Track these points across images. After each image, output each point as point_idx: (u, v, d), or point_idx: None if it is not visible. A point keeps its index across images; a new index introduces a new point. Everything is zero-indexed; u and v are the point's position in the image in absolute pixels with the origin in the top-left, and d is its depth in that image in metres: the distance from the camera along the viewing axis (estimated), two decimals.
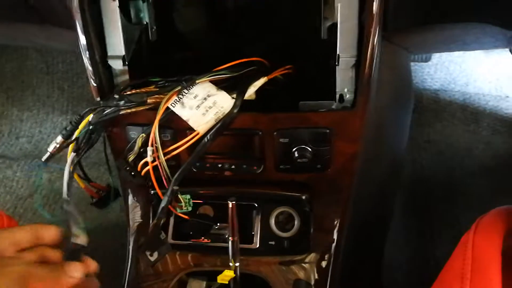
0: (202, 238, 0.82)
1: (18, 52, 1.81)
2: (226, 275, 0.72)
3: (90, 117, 0.69)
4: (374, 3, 0.65)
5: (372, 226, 1.08)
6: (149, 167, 0.69)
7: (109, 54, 0.74)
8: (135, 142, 0.71)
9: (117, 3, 0.71)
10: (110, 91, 0.74)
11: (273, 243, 0.81)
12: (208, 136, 0.67)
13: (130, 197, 0.87)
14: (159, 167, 0.68)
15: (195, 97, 0.68)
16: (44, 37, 0.98)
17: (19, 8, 0.84)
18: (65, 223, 0.62)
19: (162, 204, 0.67)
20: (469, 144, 1.46)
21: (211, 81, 0.70)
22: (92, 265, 0.63)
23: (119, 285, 0.88)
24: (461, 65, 1.51)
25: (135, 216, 0.87)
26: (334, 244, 0.81)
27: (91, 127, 0.70)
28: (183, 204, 0.72)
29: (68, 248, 0.60)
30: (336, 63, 0.70)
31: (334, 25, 0.71)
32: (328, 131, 0.72)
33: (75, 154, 0.70)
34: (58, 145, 0.72)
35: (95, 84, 0.73)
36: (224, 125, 0.67)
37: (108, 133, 0.79)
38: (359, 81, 0.69)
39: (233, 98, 0.68)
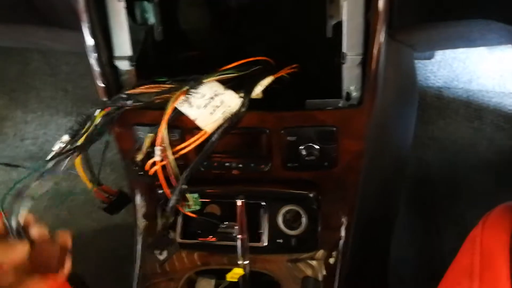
0: (210, 237, 0.82)
1: (22, 54, 1.81)
2: (236, 273, 0.72)
3: (97, 115, 0.69)
4: (380, 0, 0.66)
5: (377, 223, 1.08)
6: (157, 166, 0.69)
7: (115, 54, 0.74)
8: (143, 142, 0.71)
9: (123, 3, 0.71)
10: (116, 91, 0.74)
11: (281, 241, 0.82)
12: (216, 135, 0.67)
13: (138, 197, 0.87)
14: (167, 166, 0.69)
15: (202, 96, 0.68)
16: (48, 39, 0.98)
17: (23, 10, 0.84)
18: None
19: (171, 203, 0.67)
20: (473, 140, 1.46)
21: (217, 81, 0.71)
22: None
23: (124, 285, 0.88)
24: (465, 62, 1.51)
25: (143, 215, 0.87)
26: (342, 241, 0.82)
27: (97, 126, 0.69)
28: (191, 203, 0.72)
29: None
30: (342, 61, 0.70)
31: (340, 24, 0.71)
32: (335, 129, 0.73)
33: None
34: (63, 145, 0.71)
35: (102, 85, 0.74)
36: (231, 124, 0.67)
37: (115, 133, 0.79)
38: (366, 78, 0.70)
39: (240, 97, 0.68)
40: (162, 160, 0.69)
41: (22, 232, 0.59)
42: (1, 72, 1.83)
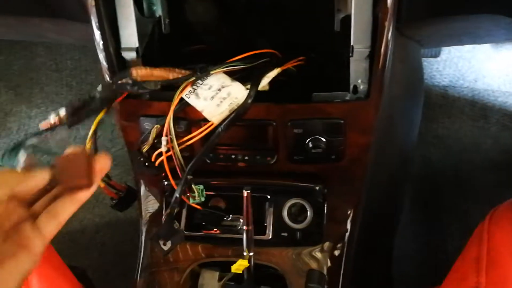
0: (215, 229, 0.82)
1: (27, 49, 1.82)
2: (241, 265, 0.72)
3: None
4: None
5: (382, 218, 1.08)
6: (163, 157, 0.69)
7: (122, 46, 0.74)
8: (149, 133, 0.71)
9: None
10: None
11: (285, 234, 0.81)
12: (222, 126, 0.67)
13: (143, 188, 0.87)
14: (173, 157, 0.69)
15: (209, 88, 0.68)
16: (54, 31, 0.98)
17: (29, 1, 0.84)
18: None
19: (176, 193, 0.67)
20: (477, 139, 1.46)
21: (224, 72, 0.71)
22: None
23: (127, 280, 0.89)
24: (470, 61, 1.51)
25: (148, 206, 0.87)
26: (347, 234, 0.82)
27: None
28: (196, 194, 0.72)
29: None
30: (350, 54, 0.70)
31: (347, 17, 0.71)
32: (342, 121, 0.73)
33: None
34: (58, 118, 0.65)
35: (109, 77, 0.74)
36: (238, 115, 0.67)
37: (121, 125, 0.79)
38: (373, 72, 0.70)
39: (247, 89, 0.68)
40: (168, 151, 0.69)
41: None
42: (6, 66, 1.83)
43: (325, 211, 0.81)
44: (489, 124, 1.46)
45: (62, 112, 0.61)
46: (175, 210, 0.68)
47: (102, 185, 0.79)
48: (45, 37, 1.05)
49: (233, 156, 0.78)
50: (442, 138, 1.48)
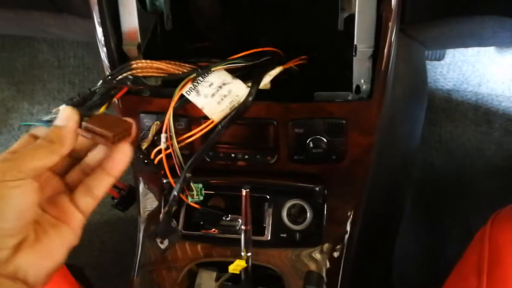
0: (213, 229, 0.82)
1: (30, 46, 1.82)
2: (238, 265, 0.71)
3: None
4: None
5: (383, 220, 1.07)
6: (162, 154, 0.69)
7: (124, 42, 0.74)
8: (149, 130, 0.70)
9: None
10: None
11: (284, 235, 0.81)
12: (222, 123, 0.66)
13: (142, 185, 0.86)
14: (173, 154, 0.68)
15: (210, 85, 0.68)
16: (55, 26, 0.98)
17: None
18: None
19: (174, 191, 0.66)
20: (480, 144, 1.45)
21: (226, 70, 0.70)
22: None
23: (127, 278, 0.88)
24: (474, 65, 1.50)
25: (146, 204, 0.87)
26: (347, 235, 0.81)
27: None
28: (194, 193, 0.71)
29: None
30: (353, 54, 0.69)
31: (352, 16, 0.70)
32: (343, 121, 0.72)
33: None
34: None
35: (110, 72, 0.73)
36: (238, 113, 0.66)
37: None
38: (376, 72, 0.69)
39: (248, 86, 0.68)
40: (167, 148, 0.68)
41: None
42: (9, 63, 1.83)
43: (325, 212, 0.80)
44: (493, 129, 1.45)
45: (62, 107, 0.60)
46: (173, 208, 0.67)
47: None
48: (47, 32, 1.04)
49: (233, 155, 0.77)
50: (445, 142, 1.47)
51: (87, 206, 0.51)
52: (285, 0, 0.85)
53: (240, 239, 0.74)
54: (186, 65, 0.68)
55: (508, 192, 1.34)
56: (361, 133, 0.73)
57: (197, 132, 0.68)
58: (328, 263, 0.80)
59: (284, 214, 0.81)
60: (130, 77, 0.63)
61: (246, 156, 0.77)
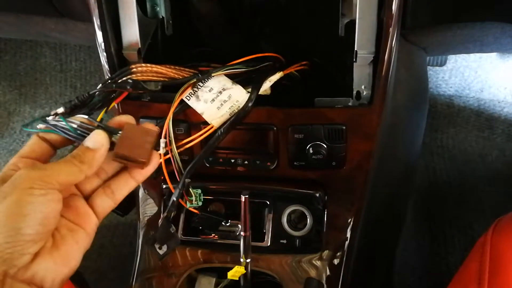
0: (213, 235, 0.81)
1: (32, 49, 1.82)
2: (237, 271, 0.71)
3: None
4: (394, 1, 0.65)
5: (384, 228, 1.06)
6: (161, 160, 0.68)
7: (124, 47, 0.74)
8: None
9: None
10: None
11: (284, 241, 0.80)
12: (222, 129, 0.66)
13: (141, 191, 0.86)
14: (172, 160, 0.68)
15: (210, 90, 0.68)
16: (57, 31, 0.98)
17: (35, 0, 0.84)
18: None
19: (173, 197, 0.66)
20: (482, 150, 1.44)
21: (226, 75, 0.70)
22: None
23: (126, 283, 0.87)
24: (477, 70, 1.50)
25: (146, 209, 0.86)
26: (347, 242, 0.80)
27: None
28: (193, 198, 0.71)
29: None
30: (354, 60, 0.69)
31: (352, 22, 0.70)
32: (344, 127, 0.71)
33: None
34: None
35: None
36: (238, 118, 0.66)
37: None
38: (377, 78, 0.69)
39: (248, 92, 0.67)
40: (166, 154, 0.68)
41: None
42: (11, 66, 1.84)
43: (325, 219, 0.79)
44: (495, 135, 1.45)
45: (61, 110, 0.60)
46: (172, 214, 0.66)
47: None
48: (48, 36, 1.05)
49: (232, 160, 0.77)
50: (447, 148, 1.46)
51: (104, 208, 0.52)
52: (286, 6, 0.85)
53: (239, 245, 0.73)
54: (186, 69, 0.68)
55: (510, 197, 1.33)
56: (362, 139, 0.73)
57: (196, 138, 0.68)
58: (328, 270, 0.80)
59: (284, 220, 0.81)
60: (130, 81, 0.63)
61: (246, 162, 0.77)
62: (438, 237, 1.33)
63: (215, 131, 0.66)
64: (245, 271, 0.72)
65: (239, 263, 0.73)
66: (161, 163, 0.67)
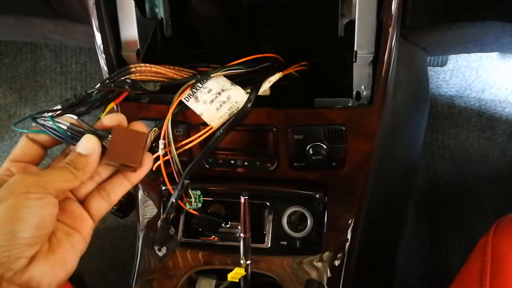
0: (213, 236, 0.81)
1: (33, 52, 1.82)
2: (237, 273, 0.71)
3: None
4: (393, 0, 0.65)
5: (385, 228, 1.06)
6: (160, 161, 0.68)
7: (123, 48, 0.74)
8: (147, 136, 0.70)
9: None
10: None
11: (285, 243, 0.80)
12: (221, 130, 0.65)
13: (141, 192, 0.86)
14: (171, 161, 0.67)
15: (209, 91, 0.67)
16: (56, 33, 0.98)
17: (34, 2, 0.84)
18: None
19: (172, 198, 0.66)
20: (484, 150, 1.44)
21: (225, 76, 0.69)
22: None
23: (126, 285, 0.87)
24: (478, 70, 1.49)
25: (146, 211, 0.86)
26: (348, 244, 0.80)
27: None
28: (192, 199, 0.70)
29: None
30: (354, 60, 0.69)
31: (352, 22, 0.70)
32: (343, 128, 0.71)
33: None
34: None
35: None
36: (237, 119, 0.65)
37: None
38: (376, 78, 0.68)
39: (247, 93, 0.67)
40: (165, 155, 0.68)
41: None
42: (11, 69, 1.84)
43: (326, 220, 0.79)
44: (496, 135, 1.44)
45: (58, 108, 0.60)
46: (171, 216, 0.66)
47: None
48: (48, 38, 1.04)
49: (232, 162, 0.77)
50: (448, 149, 1.46)
51: (100, 211, 0.52)
52: (285, 7, 0.84)
53: (239, 247, 0.73)
54: (185, 70, 0.68)
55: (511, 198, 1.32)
56: (362, 140, 0.73)
57: (195, 139, 0.67)
58: (329, 272, 0.79)
59: (285, 221, 0.81)
60: (129, 81, 0.62)
61: (246, 163, 0.76)
62: (439, 237, 1.33)
63: (214, 132, 0.66)
64: (245, 273, 0.72)
65: (239, 265, 0.73)
66: (160, 164, 0.67)
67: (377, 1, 0.66)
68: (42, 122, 0.52)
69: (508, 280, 0.57)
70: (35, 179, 0.46)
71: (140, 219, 0.86)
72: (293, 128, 0.72)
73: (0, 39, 1.78)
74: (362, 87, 0.70)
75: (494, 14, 0.69)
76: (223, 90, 0.67)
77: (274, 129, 0.73)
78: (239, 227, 0.79)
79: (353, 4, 0.68)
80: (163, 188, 0.80)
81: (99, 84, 0.61)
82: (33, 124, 0.52)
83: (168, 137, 0.66)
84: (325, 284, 0.79)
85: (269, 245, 0.80)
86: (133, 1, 0.71)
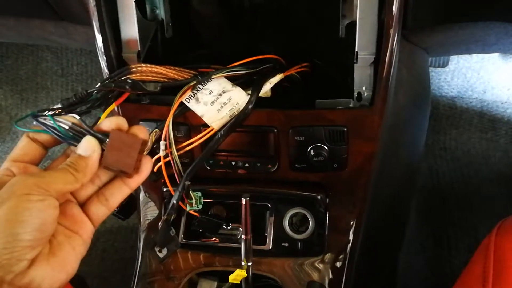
0: (214, 238, 0.81)
1: (34, 54, 1.82)
2: (238, 275, 0.70)
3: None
4: (395, 1, 0.64)
5: (387, 230, 1.06)
6: (161, 162, 0.68)
7: (124, 49, 0.73)
8: (148, 137, 0.69)
9: None
10: None
11: (286, 245, 0.80)
12: (222, 131, 0.65)
13: (142, 194, 0.86)
14: (172, 162, 0.67)
15: (210, 92, 0.67)
16: (58, 34, 0.98)
17: (35, 3, 0.84)
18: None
19: (173, 200, 0.66)
20: (486, 151, 1.43)
21: (226, 78, 0.69)
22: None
23: (128, 287, 0.87)
24: (479, 71, 1.49)
25: (147, 213, 0.86)
26: (349, 245, 0.79)
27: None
28: (193, 201, 0.70)
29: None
30: (355, 61, 0.68)
31: (353, 23, 0.70)
32: (345, 129, 0.71)
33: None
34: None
35: None
36: (238, 120, 0.65)
37: None
38: (378, 79, 0.68)
39: (248, 94, 0.67)
40: (166, 156, 0.68)
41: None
42: (13, 71, 1.84)
43: (327, 221, 0.79)
44: (498, 136, 1.44)
45: (58, 107, 0.59)
46: (172, 217, 0.66)
47: None
48: (48, 40, 1.04)
49: (233, 163, 0.76)
50: (450, 150, 1.45)
51: (99, 215, 0.52)
52: (286, 8, 0.84)
53: (240, 248, 0.73)
54: (186, 70, 0.68)
55: None
56: (363, 141, 0.72)
57: (196, 140, 0.67)
58: (330, 273, 0.79)
59: (286, 223, 0.80)
60: (129, 81, 0.62)
61: (247, 164, 0.76)
62: (441, 239, 1.32)
63: (215, 133, 0.66)
64: (246, 274, 0.72)
65: (240, 267, 0.73)
66: (161, 166, 0.67)
67: (378, 2, 0.66)
68: (43, 121, 0.52)
69: (511, 282, 0.56)
70: (36, 181, 0.45)
71: (141, 220, 0.86)
72: (294, 129, 0.72)
73: (1, 41, 1.78)
74: (363, 88, 0.70)
75: (496, 15, 0.69)
76: (224, 92, 0.67)
77: (275, 130, 0.73)
78: (240, 228, 0.78)
79: (354, 5, 0.68)
80: (164, 189, 0.80)
81: (99, 84, 0.60)
82: (34, 122, 0.52)
83: (169, 139, 0.66)
84: (326, 286, 0.78)
85: (270, 247, 0.80)
86: (133, 2, 0.71)
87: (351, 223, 0.80)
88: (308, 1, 0.83)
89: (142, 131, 0.53)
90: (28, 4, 0.83)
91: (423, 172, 1.42)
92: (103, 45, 0.72)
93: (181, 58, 0.83)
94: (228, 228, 0.81)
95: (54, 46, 1.78)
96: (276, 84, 0.70)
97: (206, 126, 0.67)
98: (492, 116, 1.45)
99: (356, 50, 0.68)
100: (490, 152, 1.43)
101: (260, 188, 0.79)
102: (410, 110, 0.93)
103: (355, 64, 0.69)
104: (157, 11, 0.80)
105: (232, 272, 0.72)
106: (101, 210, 0.52)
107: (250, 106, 0.65)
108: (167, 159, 0.67)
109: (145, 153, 0.55)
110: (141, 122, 0.75)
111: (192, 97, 0.67)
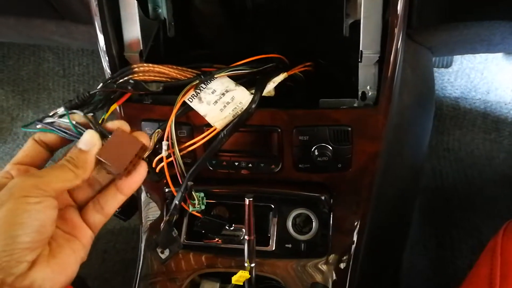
0: (216, 239, 0.80)
1: (35, 54, 1.82)
2: (241, 276, 0.70)
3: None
4: (399, 0, 0.64)
5: (390, 231, 1.05)
6: (163, 163, 0.67)
7: (126, 49, 0.73)
8: (150, 137, 0.69)
9: None
10: None
11: (289, 246, 0.79)
12: (225, 131, 0.65)
13: (143, 194, 0.85)
14: (174, 163, 0.66)
15: (213, 92, 0.66)
16: (60, 34, 0.97)
17: (35, 2, 0.83)
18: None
19: (176, 200, 0.65)
20: (489, 152, 1.43)
21: (229, 77, 0.69)
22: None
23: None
24: (483, 72, 1.48)
25: (148, 214, 0.85)
26: (353, 246, 0.79)
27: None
28: (196, 202, 0.70)
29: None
30: (359, 60, 0.68)
31: (357, 22, 0.69)
32: (349, 129, 0.70)
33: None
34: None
35: None
36: (241, 120, 0.65)
37: None
38: (382, 78, 0.67)
39: (251, 93, 0.66)
40: (169, 157, 0.67)
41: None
42: (14, 72, 1.84)
43: (331, 222, 0.78)
44: (502, 137, 1.43)
45: (61, 110, 0.59)
46: (174, 218, 0.65)
47: None
48: (50, 39, 1.04)
49: (236, 163, 0.76)
50: (453, 151, 1.45)
51: (97, 222, 0.52)
52: (290, 6, 0.84)
53: (243, 250, 0.72)
54: (189, 70, 0.67)
55: None
56: (367, 141, 0.72)
57: (199, 140, 0.66)
58: (334, 275, 0.78)
59: (289, 224, 0.80)
60: (131, 81, 0.61)
61: (250, 165, 0.76)
62: (445, 240, 1.32)
63: (218, 133, 0.65)
64: (249, 276, 0.71)
65: (243, 268, 0.72)
66: (163, 166, 0.66)
67: (383, 1, 0.66)
68: (49, 120, 0.51)
69: None
70: (33, 182, 0.45)
71: (143, 221, 0.86)
72: (298, 129, 0.72)
73: (3, 41, 1.78)
74: (368, 87, 0.69)
75: (501, 13, 0.68)
76: (227, 91, 0.66)
77: (279, 130, 0.72)
78: (243, 229, 0.78)
79: (358, 4, 0.68)
80: (166, 190, 0.79)
81: (101, 84, 0.60)
82: (38, 126, 0.52)
83: (171, 139, 0.65)
84: (330, 287, 0.78)
85: (273, 248, 0.79)
86: (136, 2, 0.70)
87: (355, 223, 0.79)
88: (310, 0, 0.82)
89: (143, 137, 0.53)
90: (28, 3, 0.82)
91: (427, 173, 1.41)
92: (105, 44, 0.71)
93: (183, 58, 0.82)
94: (231, 229, 0.80)
95: (56, 46, 1.77)
96: (279, 83, 0.70)
97: (209, 126, 0.66)
98: (495, 117, 1.44)
99: (360, 49, 0.68)
100: (494, 153, 1.42)
101: (264, 188, 0.79)
102: (414, 110, 0.92)
103: (359, 63, 0.68)
104: (159, 10, 0.80)
105: (235, 273, 0.72)
106: (97, 218, 0.52)
107: (253, 106, 0.65)
108: (170, 159, 0.66)
109: (144, 156, 0.55)
110: (143, 122, 0.74)
111: (194, 97, 0.66)
